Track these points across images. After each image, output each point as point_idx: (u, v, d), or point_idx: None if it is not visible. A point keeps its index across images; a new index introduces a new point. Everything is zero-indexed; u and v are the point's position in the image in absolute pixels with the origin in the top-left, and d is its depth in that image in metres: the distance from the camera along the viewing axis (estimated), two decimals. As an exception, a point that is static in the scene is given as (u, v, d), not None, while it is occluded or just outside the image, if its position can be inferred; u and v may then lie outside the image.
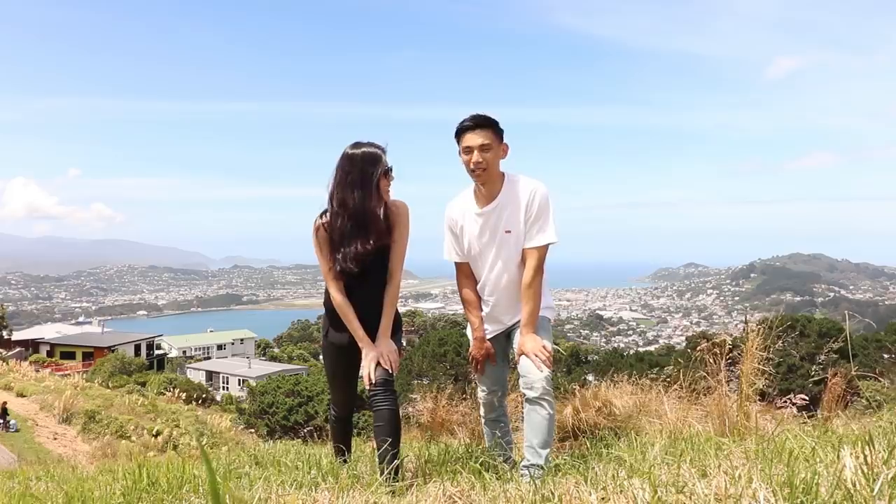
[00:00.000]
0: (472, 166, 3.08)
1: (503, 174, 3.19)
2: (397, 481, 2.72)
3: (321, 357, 3.43)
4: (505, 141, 3.16)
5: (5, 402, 17.78)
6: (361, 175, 2.93)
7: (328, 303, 3.15)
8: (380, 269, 3.07)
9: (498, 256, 3.19)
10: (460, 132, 3.12)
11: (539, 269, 3.14)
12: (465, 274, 3.37)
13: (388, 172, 2.99)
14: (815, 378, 4.92)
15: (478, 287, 3.36)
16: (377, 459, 2.86)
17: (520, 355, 3.09)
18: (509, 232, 3.15)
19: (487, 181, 3.13)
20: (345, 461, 3.19)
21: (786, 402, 4.36)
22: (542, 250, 3.14)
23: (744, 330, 4.09)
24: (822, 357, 4.65)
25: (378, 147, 3.02)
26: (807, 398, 4.35)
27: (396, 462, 2.79)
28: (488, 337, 3.35)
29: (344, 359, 3.20)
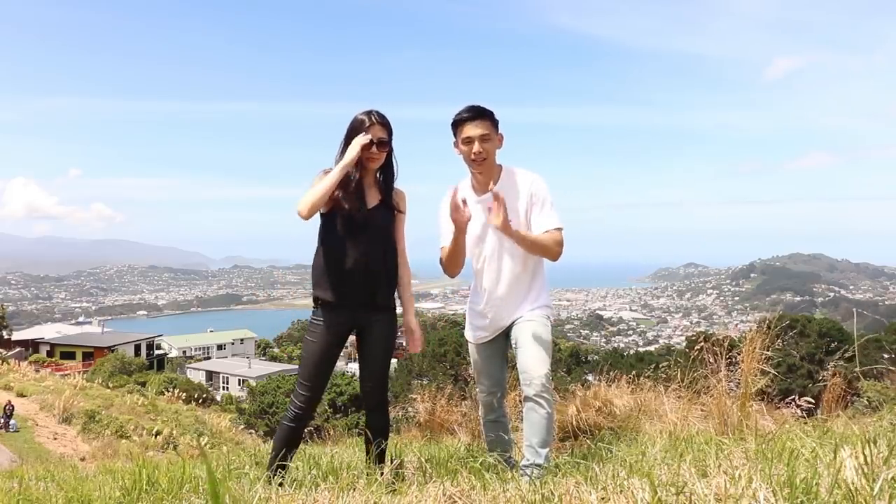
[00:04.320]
0: (472, 156, 3.11)
1: (500, 165, 3.23)
2: (396, 482, 2.74)
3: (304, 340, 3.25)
4: (500, 131, 3.20)
5: (10, 402, 17.75)
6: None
7: (319, 265, 3.03)
8: (382, 224, 3.08)
9: (498, 245, 3.18)
10: (458, 123, 3.14)
11: (561, 248, 3.13)
12: None
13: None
14: (820, 380, 4.91)
15: (474, 282, 3.35)
16: (371, 460, 2.97)
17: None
18: (509, 220, 3.14)
19: (486, 171, 3.17)
20: (284, 469, 2.95)
21: (790, 403, 4.35)
22: (560, 234, 3.14)
23: (750, 329, 4.08)
24: (833, 358, 4.64)
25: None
26: (813, 401, 4.34)
27: (395, 461, 2.84)
28: (486, 341, 3.34)
29: (333, 338, 3.03)
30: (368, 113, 3.01)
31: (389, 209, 3.11)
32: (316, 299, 3.05)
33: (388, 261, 3.08)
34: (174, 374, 43.04)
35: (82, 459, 12.56)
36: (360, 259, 2.98)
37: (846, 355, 4.18)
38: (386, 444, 3.11)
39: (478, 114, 3.12)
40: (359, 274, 2.98)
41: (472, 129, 3.10)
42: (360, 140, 2.94)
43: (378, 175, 3.13)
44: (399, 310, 3.22)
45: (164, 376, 37.59)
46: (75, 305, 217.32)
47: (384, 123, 3.03)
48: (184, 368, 56.14)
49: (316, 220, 3.07)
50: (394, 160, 3.14)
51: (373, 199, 3.08)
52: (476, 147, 3.08)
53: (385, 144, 3.03)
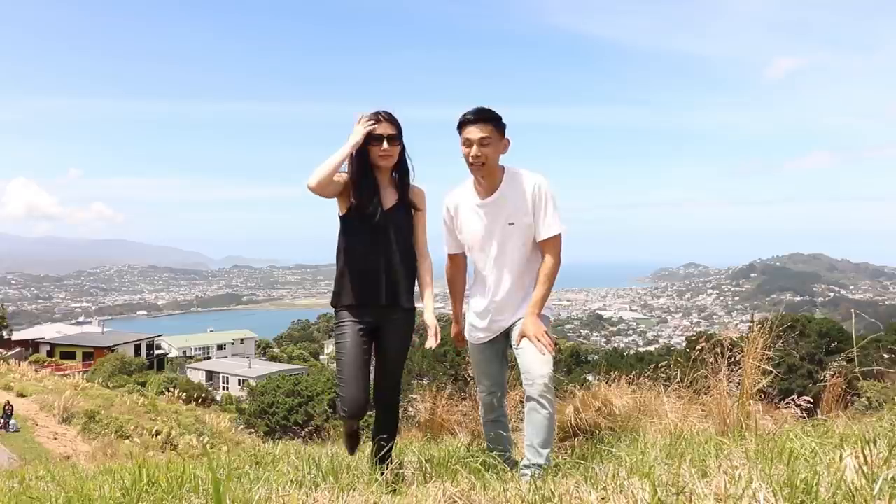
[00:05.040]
0: (470, 159, 3.09)
1: (503, 167, 3.19)
2: (396, 482, 2.75)
3: (332, 345, 3.32)
4: (507, 136, 3.15)
5: (9, 402, 17.74)
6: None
7: (342, 268, 3.04)
8: (401, 225, 3.09)
9: (502, 250, 3.17)
10: (462, 124, 3.12)
11: (559, 259, 3.17)
12: (457, 266, 3.44)
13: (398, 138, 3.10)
14: (820, 380, 4.91)
15: (474, 284, 3.36)
16: (374, 459, 3.01)
17: (521, 337, 3.06)
18: (513, 224, 3.13)
19: (486, 175, 3.14)
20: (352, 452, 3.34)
21: (790, 403, 4.35)
22: (559, 240, 3.16)
23: (749, 328, 4.08)
24: (834, 359, 4.65)
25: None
26: (811, 400, 4.34)
27: (395, 461, 2.85)
28: (485, 342, 3.34)
29: (361, 339, 3.03)
30: (376, 112, 3.03)
31: (407, 209, 3.12)
32: (338, 303, 3.07)
33: (409, 261, 3.10)
34: (174, 374, 43.06)
35: (67, 458, 12.53)
36: (382, 261, 2.99)
37: (847, 356, 4.18)
38: (392, 445, 3.11)
39: (481, 117, 3.07)
40: (382, 277, 2.99)
41: (473, 132, 3.06)
42: (364, 124, 2.95)
43: (393, 175, 3.13)
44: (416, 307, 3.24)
45: (164, 376, 37.62)
46: (75, 305, 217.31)
47: (392, 120, 3.04)
48: (184, 368, 56.10)
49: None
50: (407, 158, 3.14)
51: (390, 199, 3.08)
52: (474, 150, 3.05)
53: (395, 139, 3.02)
